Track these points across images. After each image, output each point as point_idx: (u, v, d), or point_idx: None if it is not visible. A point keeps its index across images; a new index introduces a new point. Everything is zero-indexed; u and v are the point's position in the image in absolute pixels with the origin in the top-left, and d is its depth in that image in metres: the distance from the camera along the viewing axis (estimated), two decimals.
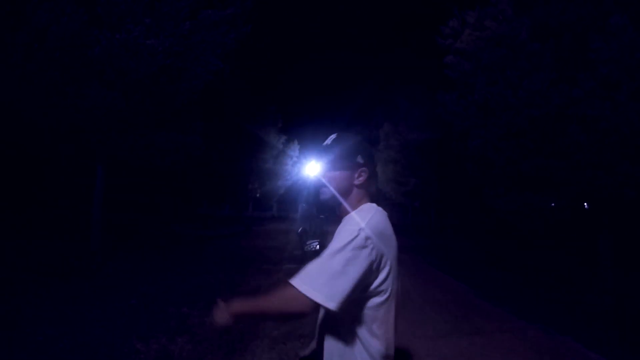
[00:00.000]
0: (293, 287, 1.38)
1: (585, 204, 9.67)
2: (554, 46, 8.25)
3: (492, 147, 9.32)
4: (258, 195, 29.16)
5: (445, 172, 21.69)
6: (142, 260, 10.15)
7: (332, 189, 1.65)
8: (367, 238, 1.42)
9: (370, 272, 1.43)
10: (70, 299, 6.21)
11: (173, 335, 4.97)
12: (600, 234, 8.73)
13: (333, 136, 1.71)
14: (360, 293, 1.44)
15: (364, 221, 1.47)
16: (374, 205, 1.63)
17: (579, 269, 10.83)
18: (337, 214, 1.71)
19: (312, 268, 1.42)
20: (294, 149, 30.59)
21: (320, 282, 1.37)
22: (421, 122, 22.97)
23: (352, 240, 1.40)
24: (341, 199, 1.65)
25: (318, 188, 1.71)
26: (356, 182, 1.64)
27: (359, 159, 1.63)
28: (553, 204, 9.29)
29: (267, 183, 27.25)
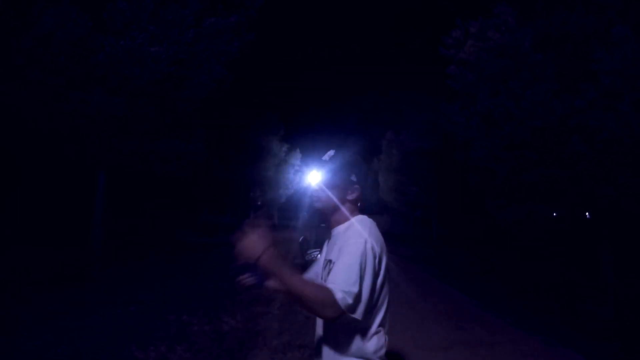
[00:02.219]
0: (331, 292, 1.36)
1: (586, 214, 9.64)
2: (556, 57, 8.27)
3: (495, 157, 9.31)
4: (259, 203, 29.12)
5: (447, 181, 21.66)
6: (142, 267, 10.13)
7: (325, 200, 1.74)
8: (372, 248, 1.51)
9: (376, 279, 1.53)
10: (69, 305, 6.19)
11: (172, 343, 4.93)
12: (601, 244, 8.69)
13: (331, 152, 1.81)
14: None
15: (365, 232, 1.57)
16: (366, 217, 1.72)
17: (580, 279, 10.76)
18: (326, 224, 1.83)
19: (339, 278, 1.42)
20: (296, 158, 30.62)
21: (350, 292, 1.40)
22: (423, 131, 22.97)
23: (364, 250, 1.48)
24: (334, 210, 1.74)
25: (312, 197, 1.81)
26: (349, 197, 1.73)
27: (353, 178, 1.74)
28: (555, 214, 9.26)
29: (268, 191, 27.22)
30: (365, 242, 1.50)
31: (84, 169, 10.47)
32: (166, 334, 5.27)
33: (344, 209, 1.74)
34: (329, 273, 1.53)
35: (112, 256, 10.36)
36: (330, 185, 1.74)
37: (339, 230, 1.72)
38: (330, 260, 1.61)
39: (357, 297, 1.40)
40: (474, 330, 6.16)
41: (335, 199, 1.73)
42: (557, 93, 8.05)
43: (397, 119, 26.12)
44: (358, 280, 1.41)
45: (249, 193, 25.84)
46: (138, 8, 7.15)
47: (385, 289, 1.61)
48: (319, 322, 1.73)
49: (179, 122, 9.66)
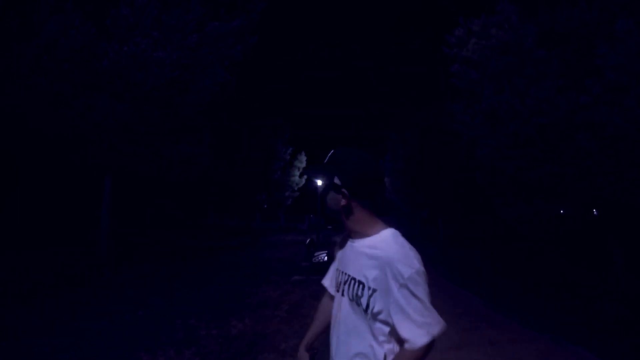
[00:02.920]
0: (420, 350, 1.39)
1: (594, 211, 9.57)
2: (560, 53, 8.22)
3: (501, 155, 9.26)
4: (265, 206, 29.15)
5: (452, 181, 21.57)
6: (150, 270, 10.15)
7: (330, 206, 1.61)
8: (424, 273, 1.44)
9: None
10: (77, 309, 6.22)
11: (180, 347, 4.93)
12: (610, 241, 8.62)
13: (330, 152, 1.64)
14: None
15: (412, 254, 1.45)
16: (397, 232, 1.55)
17: (589, 276, 10.68)
18: (344, 231, 1.68)
19: (422, 318, 1.41)
20: (301, 160, 30.63)
21: (432, 324, 1.42)
22: (428, 131, 22.92)
23: (423, 276, 1.43)
24: (347, 217, 1.59)
25: (324, 199, 1.65)
26: (342, 202, 1.55)
27: (336, 181, 1.55)
28: (562, 212, 9.19)
29: (274, 194, 27.25)
30: (419, 269, 1.42)
31: (91, 174, 10.54)
32: (174, 338, 5.28)
33: (355, 216, 1.56)
34: (355, 292, 1.51)
35: (119, 260, 10.40)
36: (326, 189, 1.61)
37: (369, 242, 1.54)
38: (361, 282, 1.50)
39: (433, 325, 1.41)
40: (483, 329, 6.12)
41: (333, 206, 1.59)
42: (561, 89, 8.00)
43: (402, 119, 26.02)
44: (430, 314, 1.41)
45: (255, 196, 25.87)
46: (141, 14, 7.20)
47: None
48: (336, 327, 1.66)
49: (184, 127, 9.70)
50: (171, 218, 24.22)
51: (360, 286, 1.49)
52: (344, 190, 1.52)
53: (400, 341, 1.43)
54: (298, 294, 8.37)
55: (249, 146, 22.54)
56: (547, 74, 8.19)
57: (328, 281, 1.90)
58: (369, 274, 1.47)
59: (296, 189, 29.77)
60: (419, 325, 1.38)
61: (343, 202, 1.54)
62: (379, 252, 1.47)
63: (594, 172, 7.51)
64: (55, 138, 8.18)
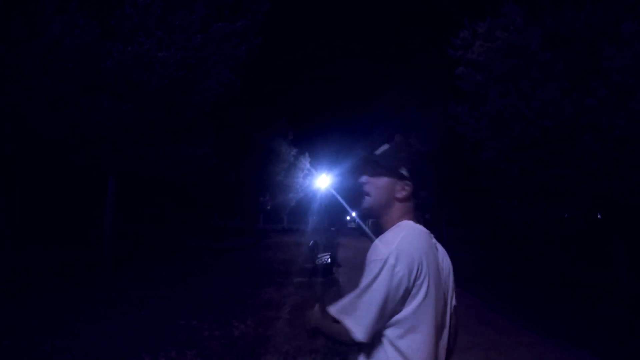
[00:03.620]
0: (347, 332, 1.32)
1: (598, 214, 9.52)
2: (565, 55, 8.18)
3: (505, 158, 9.21)
4: (269, 207, 29.15)
5: (456, 184, 21.50)
6: (152, 271, 10.15)
7: (373, 197, 1.52)
8: (394, 266, 1.27)
9: (395, 301, 1.29)
10: (79, 309, 6.21)
11: (182, 348, 4.92)
12: (615, 244, 8.56)
13: (385, 146, 1.60)
14: (385, 322, 1.32)
15: (392, 244, 1.31)
16: (411, 223, 1.45)
17: (594, 280, 10.61)
18: (379, 225, 1.55)
19: (351, 302, 1.35)
20: (305, 162, 30.65)
21: (356, 316, 1.32)
22: (432, 133, 22.86)
23: (380, 271, 1.28)
24: (382, 211, 1.52)
25: (361, 193, 1.56)
26: (398, 195, 1.48)
27: (403, 171, 1.49)
28: (567, 215, 9.14)
29: (277, 195, 27.27)
30: (386, 261, 1.28)
31: (94, 174, 10.54)
32: (176, 339, 5.27)
33: (393, 210, 1.50)
34: None
35: (122, 260, 10.40)
36: (377, 177, 1.52)
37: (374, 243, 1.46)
38: None
39: (365, 328, 1.29)
40: (488, 333, 6.08)
41: (381, 196, 1.51)
42: (567, 91, 7.96)
43: (406, 122, 25.99)
44: (366, 305, 1.30)
45: (259, 197, 25.88)
46: (145, 14, 7.19)
47: (423, 318, 1.33)
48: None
49: (187, 127, 9.69)
50: (174, 219, 24.23)
51: None
52: (408, 182, 1.49)
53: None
54: (300, 295, 8.35)
55: (252, 147, 22.54)
56: (552, 76, 8.15)
57: None
58: None
59: (300, 190, 29.78)
60: (342, 304, 1.37)
61: (403, 193, 1.48)
62: (378, 241, 1.41)
63: (599, 174, 7.45)
64: (60, 139, 8.19)
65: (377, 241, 1.37)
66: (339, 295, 1.68)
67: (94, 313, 6.10)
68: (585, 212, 8.61)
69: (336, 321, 1.37)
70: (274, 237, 27.31)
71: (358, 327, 1.29)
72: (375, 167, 1.53)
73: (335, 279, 10.28)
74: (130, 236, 15.16)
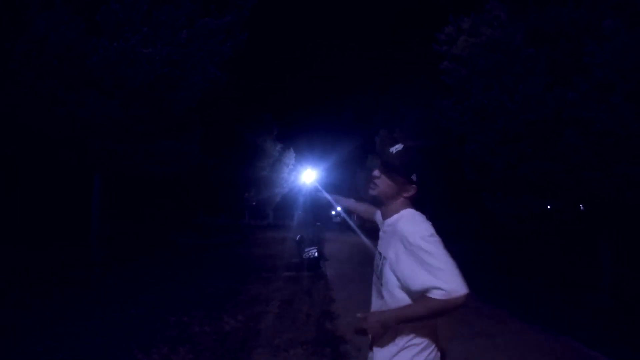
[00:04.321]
0: (435, 300, 1.45)
1: (581, 206, 9.72)
2: (548, 51, 8.32)
3: (490, 151, 9.37)
4: (254, 203, 29.08)
5: (441, 177, 21.71)
6: (140, 269, 10.11)
7: (382, 190, 1.79)
8: (436, 235, 1.59)
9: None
10: (69, 309, 6.17)
11: (174, 344, 4.93)
12: (599, 236, 8.77)
13: (399, 146, 1.79)
14: None
15: (423, 223, 1.64)
16: (414, 210, 1.77)
17: (578, 270, 10.86)
18: (381, 208, 1.90)
19: (441, 267, 1.47)
20: (290, 157, 30.60)
21: (450, 275, 1.46)
22: (417, 128, 23.02)
23: (435, 240, 1.55)
24: (388, 200, 1.80)
25: (370, 182, 1.83)
26: (404, 194, 1.77)
27: (414, 177, 1.75)
28: (549, 207, 9.32)
29: (263, 191, 27.18)
30: (432, 234, 1.57)
31: (81, 172, 10.44)
32: (168, 335, 5.27)
33: (398, 201, 1.78)
34: (385, 269, 1.67)
35: (110, 259, 10.33)
36: (391, 177, 1.76)
37: (391, 221, 1.76)
38: (381, 255, 1.75)
39: (452, 277, 1.45)
40: (474, 322, 6.20)
41: (389, 192, 1.77)
42: (550, 86, 8.11)
43: (391, 116, 26.12)
44: (447, 259, 1.49)
45: (244, 193, 25.78)
46: (131, 9, 7.13)
47: None
48: (372, 298, 1.85)
49: (174, 124, 9.64)
50: (160, 216, 24.06)
51: (382, 259, 1.72)
52: (414, 185, 1.77)
53: None
54: (289, 289, 8.40)
55: (237, 143, 22.43)
56: (535, 72, 8.30)
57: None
58: (386, 246, 1.71)
59: (285, 185, 29.74)
60: (431, 272, 1.46)
61: (409, 194, 1.79)
62: (397, 225, 1.70)
63: (582, 167, 7.62)
64: (45, 136, 8.09)
65: (409, 226, 1.63)
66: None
67: (84, 312, 6.08)
68: (568, 205, 8.80)
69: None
70: (260, 233, 27.23)
71: (458, 283, 1.44)
72: (389, 167, 1.77)
73: (323, 273, 10.36)
74: (118, 234, 15.04)
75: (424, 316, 1.51)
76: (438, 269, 1.45)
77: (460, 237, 22.74)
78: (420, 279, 1.47)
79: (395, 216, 1.76)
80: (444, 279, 1.42)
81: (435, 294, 1.43)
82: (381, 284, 1.70)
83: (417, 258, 1.50)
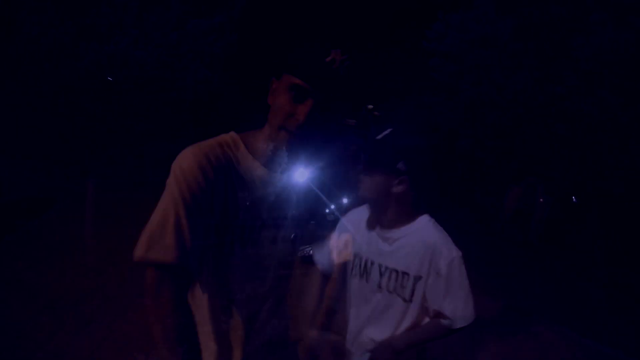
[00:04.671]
0: (446, 328, 1.44)
1: (573, 198, 9.80)
2: (537, 45, 8.37)
3: (480, 146, 9.40)
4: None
5: (433, 172, 21.74)
6: (135, 271, 10.04)
7: (369, 190, 1.41)
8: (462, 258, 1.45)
9: None
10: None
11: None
12: (591, 227, 8.82)
13: (387, 131, 1.45)
14: None
15: (451, 243, 1.45)
16: (427, 217, 1.45)
17: (572, 262, 10.92)
18: (376, 214, 1.50)
19: (464, 297, 1.46)
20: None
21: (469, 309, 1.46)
22: (410, 126, 23.08)
23: (463, 264, 1.45)
24: (385, 203, 1.42)
25: (357, 182, 1.46)
26: (394, 190, 1.36)
27: (401, 166, 1.34)
28: (542, 200, 9.38)
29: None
30: (460, 258, 1.44)
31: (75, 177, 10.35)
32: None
33: (398, 204, 1.41)
34: (399, 284, 1.43)
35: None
36: (371, 173, 1.40)
37: (403, 232, 1.43)
38: (405, 273, 1.40)
39: (469, 308, 1.45)
40: None
41: (375, 192, 1.40)
42: (538, 81, 8.16)
43: (382, 112, 26.06)
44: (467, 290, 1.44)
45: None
46: (122, 12, 7.11)
47: None
48: (358, 315, 1.56)
49: (167, 124, 9.60)
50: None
51: (405, 277, 1.40)
52: (404, 177, 1.35)
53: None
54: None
55: None
56: (524, 66, 8.34)
57: (324, 259, 1.72)
58: (413, 262, 1.39)
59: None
60: (453, 301, 1.41)
61: (399, 189, 1.36)
62: (421, 239, 1.40)
63: (571, 160, 7.68)
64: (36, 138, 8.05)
65: (444, 249, 1.42)
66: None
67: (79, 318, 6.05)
68: (560, 198, 8.87)
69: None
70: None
71: (471, 313, 1.47)
72: (370, 160, 1.43)
73: None
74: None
75: (434, 339, 1.46)
76: (460, 298, 1.42)
77: (452, 230, 22.82)
78: (444, 304, 1.41)
79: (412, 225, 1.42)
80: (463, 310, 1.43)
81: (447, 323, 1.42)
82: (408, 300, 1.41)
83: (448, 283, 1.40)
